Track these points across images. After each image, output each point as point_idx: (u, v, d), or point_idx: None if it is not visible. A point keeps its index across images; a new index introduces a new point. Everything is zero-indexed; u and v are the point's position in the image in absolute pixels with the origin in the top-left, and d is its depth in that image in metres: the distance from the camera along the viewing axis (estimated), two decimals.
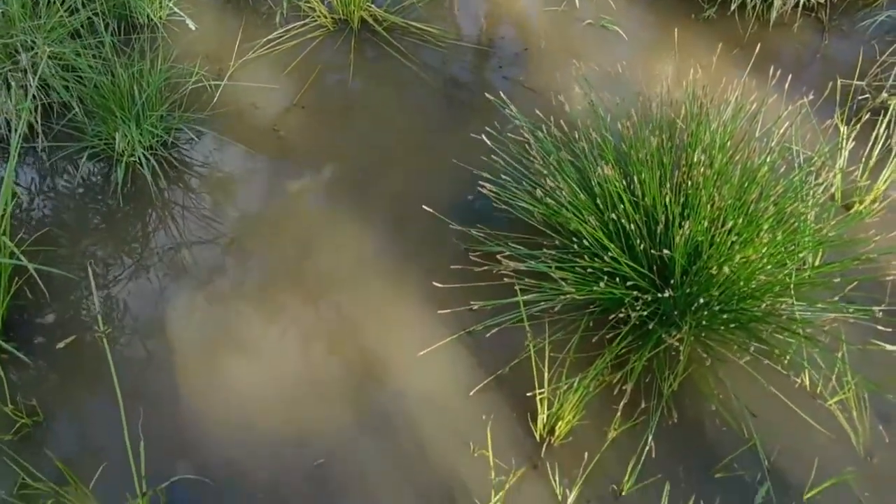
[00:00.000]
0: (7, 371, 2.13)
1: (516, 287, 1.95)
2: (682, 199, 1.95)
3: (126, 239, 2.47)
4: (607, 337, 2.05)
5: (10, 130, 2.65)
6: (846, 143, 2.37)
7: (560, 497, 1.92)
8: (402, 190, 2.58)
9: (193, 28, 3.05)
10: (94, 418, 2.08)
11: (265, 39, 3.05)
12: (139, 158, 2.59)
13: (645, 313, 1.91)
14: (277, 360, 2.18)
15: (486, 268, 2.15)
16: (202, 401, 2.09)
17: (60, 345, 2.16)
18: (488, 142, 2.30)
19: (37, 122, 2.67)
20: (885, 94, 2.69)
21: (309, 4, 3.12)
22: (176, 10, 3.09)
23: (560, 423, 1.96)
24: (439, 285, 2.15)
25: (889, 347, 2.08)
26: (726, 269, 1.74)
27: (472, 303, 2.10)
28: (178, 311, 2.28)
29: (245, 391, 2.12)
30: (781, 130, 2.07)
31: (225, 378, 2.14)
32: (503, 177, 2.25)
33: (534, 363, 1.91)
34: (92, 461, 1.93)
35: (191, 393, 2.11)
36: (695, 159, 1.95)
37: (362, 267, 2.39)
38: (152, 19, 3.06)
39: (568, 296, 1.92)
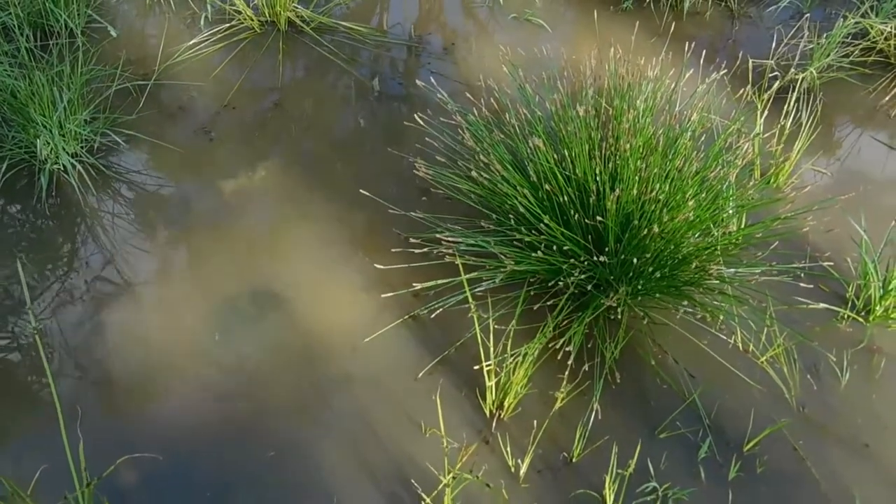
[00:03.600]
0: None
1: (458, 262, 1.98)
2: (610, 171, 2.02)
3: (53, 248, 2.39)
4: (548, 305, 2.10)
5: None
6: (760, 115, 2.51)
7: (513, 468, 1.94)
8: (339, 182, 2.59)
9: (115, 34, 2.99)
10: (29, 424, 2.00)
11: (191, 42, 3.01)
12: (63, 165, 2.52)
13: (583, 277, 1.97)
14: (220, 354, 2.14)
15: (426, 249, 2.17)
16: (141, 398, 2.05)
17: None
18: (422, 123, 2.33)
19: None
20: (792, 71, 2.85)
21: (234, 7, 3.11)
22: (95, 16, 3.03)
23: (508, 396, 2.00)
24: (381, 267, 2.16)
25: (811, 304, 2.20)
26: (656, 227, 1.81)
27: (414, 284, 2.12)
28: (111, 314, 2.23)
29: (185, 387, 2.07)
30: (699, 103, 2.17)
31: (164, 376, 2.10)
32: (438, 158, 2.29)
33: (479, 338, 1.94)
34: (29, 468, 1.86)
35: (129, 389, 2.06)
36: (620, 131, 2.02)
37: (303, 258, 2.38)
38: (70, 26, 2.99)
39: (508, 269, 1.96)
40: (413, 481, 1.90)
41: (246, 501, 1.88)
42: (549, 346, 2.04)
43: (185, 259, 2.39)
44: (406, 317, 2.21)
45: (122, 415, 2.02)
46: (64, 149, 2.52)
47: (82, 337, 2.17)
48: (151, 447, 1.93)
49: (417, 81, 2.84)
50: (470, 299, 1.92)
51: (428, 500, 1.85)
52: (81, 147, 2.59)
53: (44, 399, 2.05)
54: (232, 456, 1.95)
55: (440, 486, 1.87)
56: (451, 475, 1.73)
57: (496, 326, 2.03)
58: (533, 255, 1.96)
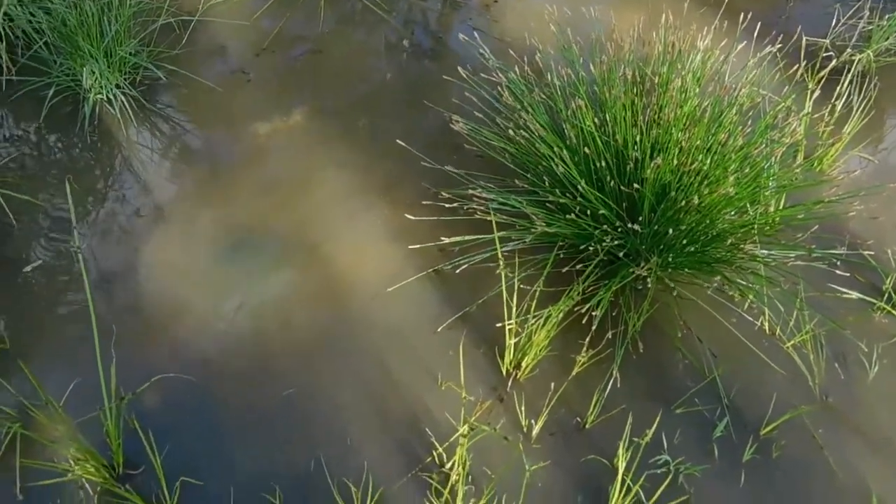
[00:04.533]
0: None
1: (492, 219, 1.96)
2: (652, 139, 1.97)
3: (91, 175, 2.43)
4: (576, 270, 2.08)
5: None
6: (811, 95, 2.43)
7: (525, 428, 1.95)
8: (372, 132, 2.58)
9: None
10: (63, 340, 2.06)
11: None
12: (106, 96, 2.55)
13: (614, 244, 1.94)
14: (245, 291, 2.17)
15: (456, 205, 2.16)
16: (167, 325, 2.09)
17: (28, 269, 2.13)
18: (465, 76, 2.30)
19: (0, 56, 2.60)
20: (848, 52, 2.75)
21: None
22: None
23: (527, 357, 1.99)
24: (412, 218, 2.16)
25: (846, 292, 2.14)
26: (696, 199, 1.78)
27: (442, 238, 2.11)
28: (145, 243, 2.26)
29: (213, 318, 2.11)
30: (749, 77, 2.10)
31: (194, 304, 2.14)
32: (476, 114, 2.26)
33: (504, 296, 1.93)
34: (62, 381, 1.91)
35: (157, 316, 2.10)
36: (665, 100, 1.97)
37: (331, 204, 2.38)
38: None
39: (539, 230, 1.94)
40: (427, 429, 1.92)
41: (262, 435, 1.92)
42: (574, 310, 2.02)
43: (215, 196, 2.40)
44: (430, 270, 2.21)
45: (151, 340, 2.06)
46: (108, 79, 2.54)
47: (117, 261, 2.22)
48: (176, 373, 1.98)
49: (459, 36, 2.79)
50: (499, 256, 1.90)
51: (440, 448, 1.87)
52: (124, 79, 2.61)
53: (81, 317, 2.10)
54: (251, 391, 1.99)
55: (454, 437, 1.89)
56: (466, 425, 1.74)
57: (521, 286, 2.01)
58: (566, 217, 1.93)
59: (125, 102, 2.55)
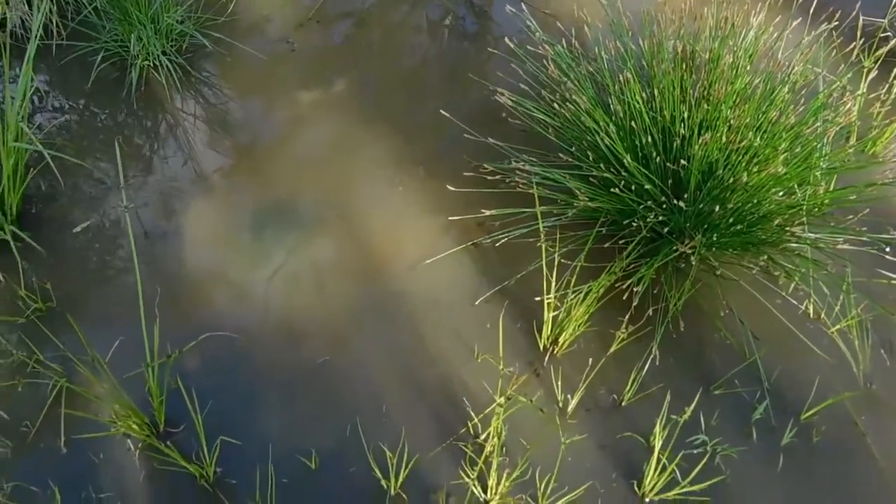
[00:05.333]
0: (21, 258, 2.14)
1: (535, 193, 1.94)
2: (700, 116, 1.93)
3: (136, 140, 2.46)
4: (617, 247, 2.06)
5: (24, 29, 2.63)
6: (866, 76, 2.36)
7: (561, 403, 1.95)
8: (413, 103, 2.58)
9: None
10: (109, 299, 2.11)
11: None
12: (153, 63, 2.58)
13: (658, 221, 1.91)
14: (285, 255, 2.19)
15: (497, 177, 2.15)
16: (208, 290, 2.12)
17: (77, 229, 2.18)
18: (512, 47, 2.28)
19: (52, 21, 2.64)
20: None
21: None
22: None
23: (564, 332, 1.98)
24: (453, 189, 2.15)
25: (895, 278, 2.09)
26: (745, 177, 1.74)
27: (482, 211, 2.10)
28: (189, 207, 2.30)
29: (252, 283, 2.14)
30: (804, 55, 2.05)
31: (234, 268, 2.17)
32: (522, 87, 2.24)
33: (544, 271, 1.92)
34: (108, 339, 1.95)
35: (198, 280, 2.14)
36: (715, 76, 1.93)
37: (371, 174, 2.39)
38: None
39: (581, 204, 1.92)
40: (462, 400, 1.93)
41: (299, 399, 1.94)
42: (615, 286, 2.00)
43: (257, 164, 2.42)
44: (468, 244, 2.21)
45: (192, 301, 2.10)
46: (155, 46, 2.57)
47: (161, 224, 2.25)
48: (213, 337, 2.01)
49: (503, 9, 2.76)
50: (541, 230, 1.89)
51: (476, 419, 1.88)
52: (171, 46, 2.64)
53: (126, 277, 2.15)
54: (289, 356, 2.01)
55: (489, 408, 1.89)
56: (503, 396, 1.74)
57: (562, 261, 2.00)
58: (610, 192, 1.91)
59: (171, 69, 2.58)
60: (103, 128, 2.49)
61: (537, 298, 2.00)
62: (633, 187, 1.91)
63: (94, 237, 2.22)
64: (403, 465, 1.81)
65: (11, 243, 2.15)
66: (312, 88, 2.62)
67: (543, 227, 2.02)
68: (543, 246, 1.88)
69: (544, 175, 2.06)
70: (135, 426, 1.84)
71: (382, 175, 2.39)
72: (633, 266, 2.00)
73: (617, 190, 1.87)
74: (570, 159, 2.09)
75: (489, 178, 2.22)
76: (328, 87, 2.62)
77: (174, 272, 2.16)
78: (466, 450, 1.86)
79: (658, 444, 1.80)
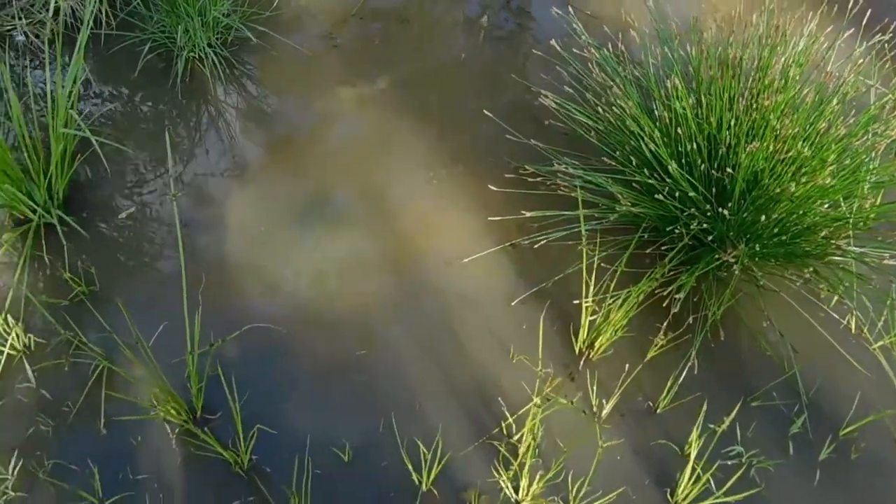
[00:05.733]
0: (66, 243, 2.19)
1: (578, 196, 1.94)
2: (748, 124, 1.92)
3: (182, 130, 2.50)
4: (658, 253, 2.04)
5: (75, 18, 2.68)
6: None
7: (595, 408, 1.94)
8: (455, 102, 2.58)
9: None
10: (150, 286, 2.14)
11: None
12: (199, 54, 2.61)
13: (702, 228, 1.90)
14: (325, 248, 2.22)
15: (539, 179, 2.14)
16: (249, 279, 2.15)
17: (122, 216, 2.22)
18: (558, 49, 2.27)
19: (101, 11, 2.69)
20: None
21: None
22: None
23: (601, 337, 1.98)
24: (494, 189, 2.15)
25: None
26: (793, 187, 1.72)
27: (523, 212, 2.10)
28: (230, 198, 2.32)
29: (293, 275, 2.16)
30: (856, 66, 2.02)
31: (275, 259, 2.19)
32: (567, 89, 2.23)
33: (584, 274, 1.91)
34: (150, 325, 1.98)
35: (241, 269, 2.17)
36: (764, 85, 1.91)
37: (410, 171, 2.40)
38: None
39: (624, 209, 1.91)
40: (496, 400, 1.93)
41: (334, 392, 1.96)
42: (655, 293, 1.99)
43: (297, 157, 2.44)
44: (506, 244, 2.21)
45: (233, 291, 2.12)
46: (201, 38, 2.60)
47: (202, 214, 2.28)
48: (252, 327, 2.03)
49: (546, 10, 2.76)
50: (583, 233, 1.89)
51: (510, 419, 1.88)
52: (216, 39, 2.67)
53: (170, 264, 2.18)
54: (326, 349, 2.03)
55: (524, 409, 1.89)
56: (539, 397, 1.74)
57: (602, 265, 2.00)
58: (654, 197, 1.90)
59: (216, 62, 2.61)
60: (148, 117, 2.53)
61: (575, 302, 2.00)
62: (676, 194, 1.89)
63: (138, 224, 2.26)
64: (436, 461, 1.82)
65: (58, 227, 2.19)
66: (353, 84, 2.63)
67: (594, 230, 2.02)
68: (584, 249, 1.88)
69: (586, 179, 2.06)
70: (173, 411, 1.86)
71: (422, 173, 2.40)
72: (672, 273, 1.99)
73: (661, 196, 1.85)
74: (613, 163, 2.08)
75: (529, 179, 2.22)
76: (369, 83, 2.64)
77: (215, 261, 2.19)
78: (500, 448, 1.87)
79: (693, 452, 1.79)
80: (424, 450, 1.84)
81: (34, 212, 2.20)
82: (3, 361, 1.98)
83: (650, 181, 1.92)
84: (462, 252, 2.19)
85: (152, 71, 2.64)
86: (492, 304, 2.12)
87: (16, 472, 1.84)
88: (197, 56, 2.61)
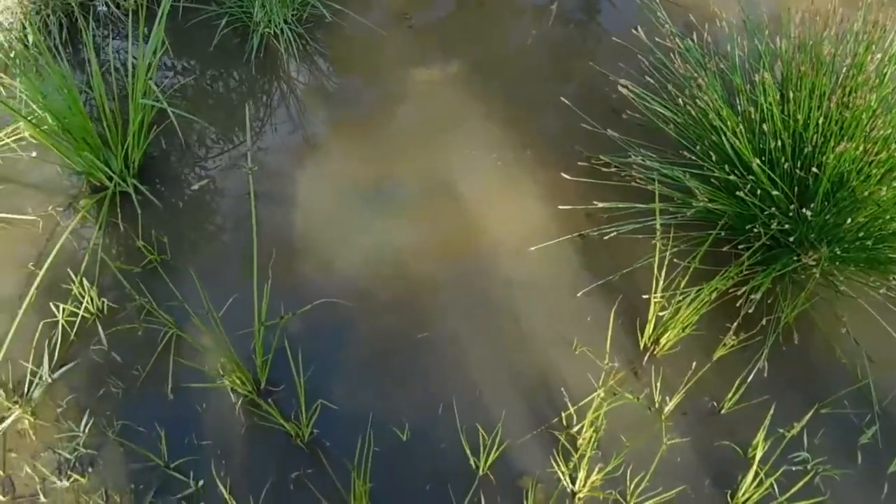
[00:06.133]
0: (140, 211, 2.24)
1: (654, 189, 1.90)
2: (837, 123, 1.85)
3: (255, 105, 2.53)
4: (731, 253, 1.99)
5: None
6: None
7: (658, 405, 1.91)
8: (529, 88, 2.55)
9: None
10: (219, 257, 2.18)
11: None
12: (274, 30, 2.63)
13: (782, 228, 1.84)
14: (390, 228, 2.23)
15: (613, 170, 2.11)
16: (317, 258, 2.17)
17: (194, 187, 2.26)
18: (642, 37, 2.22)
19: None
20: None
21: None
22: None
23: (667, 333, 1.94)
24: (568, 178, 2.12)
25: None
26: (884, 190, 1.66)
27: (595, 202, 2.07)
28: (300, 175, 2.35)
29: (360, 255, 2.18)
30: None
31: (342, 237, 2.21)
32: (646, 79, 2.18)
33: (655, 268, 1.88)
34: (216, 295, 2.02)
35: (309, 248, 2.19)
36: (857, 83, 1.84)
37: (481, 155, 2.39)
38: None
39: (701, 205, 1.87)
40: (558, 391, 1.92)
41: (396, 372, 1.97)
42: (729, 292, 1.94)
43: (367, 137, 2.45)
44: (575, 234, 2.19)
45: (299, 267, 2.15)
46: (277, 14, 2.62)
47: (272, 189, 2.31)
48: (322, 304, 2.06)
49: (632, 2, 2.70)
50: (658, 227, 1.85)
51: (571, 410, 1.87)
52: (292, 15, 2.69)
53: (240, 237, 2.22)
54: (390, 329, 2.04)
55: (585, 400, 1.88)
56: (602, 389, 1.72)
57: (673, 260, 1.96)
58: (734, 194, 1.85)
59: (291, 38, 2.63)
60: (222, 91, 2.57)
61: (645, 296, 1.96)
62: (757, 192, 1.84)
63: (209, 196, 2.30)
64: (495, 447, 1.82)
65: (133, 196, 2.25)
66: (426, 65, 2.63)
67: (664, 224, 1.98)
68: (658, 243, 1.84)
69: (663, 172, 2.01)
70: (238, 381, 1.90)
71: (491, 158, 2.38)
72: (746, 273, 1.94)
73: (741, 193, 1.80)
74: (692, 157, 2.03)
75: (604, 169, 2.19)
76: (441, 65, 2.63)
77: (283, 236, 2.21)
78: (560, 438, 1.86)
79: (758, 455, 1.75)
80: (484, 434, 1.84)
81: (110, 180, 2.26)
82: (77, 323, 2.05)
83: (730, 177, 1.87)
84: (529, 240, 2.18)
85: (227, 45, 2.67)
86: (557, 295, 2.10)
87: (87, 430, 1.90)
88: (272, 32, 2.64)
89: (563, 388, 1.93)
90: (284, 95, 2.58)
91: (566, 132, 2.38)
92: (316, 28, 2.72)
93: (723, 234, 1.94)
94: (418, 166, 2.36)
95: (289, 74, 2.61)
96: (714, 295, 1.86)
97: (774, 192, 1.80)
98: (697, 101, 1.93)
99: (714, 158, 1.92)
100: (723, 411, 1.90)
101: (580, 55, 2.63)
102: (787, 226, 1.84)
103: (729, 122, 1.88)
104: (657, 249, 1.85)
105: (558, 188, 2.25)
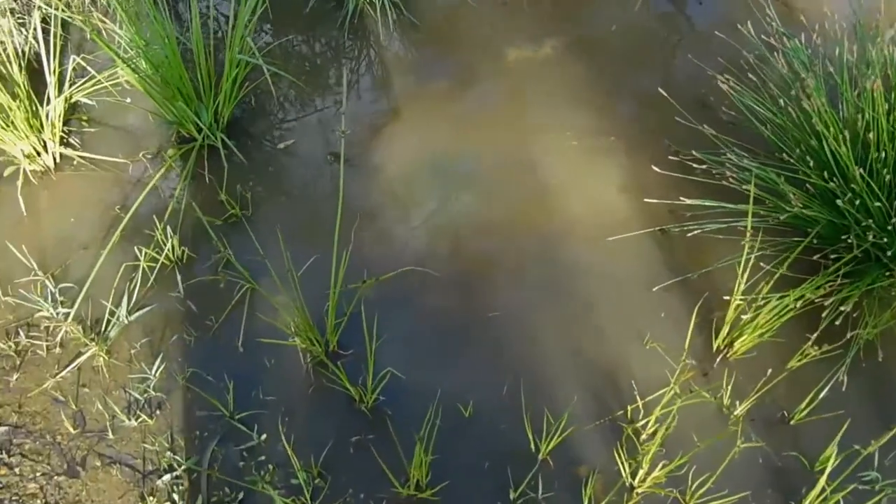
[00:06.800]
0: (226, 165, 2.28)
1: (747, 188, 1.86)
2: None
3: (344, 70, 2.55)
4: (819, 262, 1.94)
5: None
6: None
7: (726, 409, 1.88)
8: (619, 76, 2.51)
9: None
10: (303, 217, 2.21)
11: None
12: None
13: (883, 240, 1.78)
14: (470, 204, 2.23)
15: (705, 166, 2.06)
16: (404, 219, 2.21)
17: (280, 146, 2.29)
18: (746, 33, 2.17)
19: None
20: None
21: None
22: None
23: (742, 337, 1.91)
24: (658, 170, 2.08)
25: None
26: None
27: (681, 198, 2.04)
28: (383, 144, 2.36)
29: (435, 224, 2.20)
30: None
31: (425, 210, 2.23)
32: (749, 77, 2.13)
33: (738, 271, 1.84)
34: (298, 255, 2.03)
35: (392, 211, 2.22)
36: None
37: (570, 139, 2.37)
38: None
39: (796, 209, 1.82)
40: (625, 383, 1.90)
41: (465, 349, 1.98)
42: (815, 301, 1.89)
43: (456, 112, 2.45)
44: (656, 229, 2.15)
45: (378, 235, 2.18)
46: None
47: (351, 153, 2.33)
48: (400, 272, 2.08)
49: None
50: (749, 228, 1.80)
51: (639, 403, 1.85)
52: None
53: (323, 198, 2.25)
54: (461, 306, 2.05)
55: (653, 395, 1.87)
56: (678, 385, 1.69)
57: (759, 264, 1.91)
58: (835, 202, 1.79)
59: (385, 6, 2.64)
60: (313, 54, 2.59)
61: (724, 298, 1.93)
62: (856, 202, 1.78)
63: (294, 155, 2.33)
64: (558, 432, 1.81)
65: (221, 150, 2.29)
66: (519, 46, 2.60)
67: (743, 227, 1.94)
68: (746, 245, 1.80)
69: (759, 174, 1.96)
70: (309, 341, 1.93)
71: (576, 144, 2.36)
72: (831, 284, 1.89)
73: (841, 203, 1.75)
74: (790, 160, 1.96)
75: (693, 165, 2.14)
76: (533, 44, 2.60)
77: (362, 202, 2.23)
78: (626, 430, 1.84)
79: (828, 469, 1.71)
80: (549, 419, 1.84)
81: (199, 132, 2.30)
82: (157, 269, 2.11)
83: (830, 184, 1.81)
84: (607, 229, 2.15)
85: (322, 10, 2.69)
86: (631, 287, 2.08)
87: (157, 374, 1.96)
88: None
89: (631, 381, 1.91)
90: (373, 63, 2.59)
91: (654, 124, 2.33)
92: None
93: (815, 242, 1.88)
94: (502, 144, 2.35)
95: (379, 42, 2.62)
96: (800, 303, 1.81)
97: (876, 204, 1.74)
98: (803, 103, 1.87)
99: (811, 164, 1.86)
100: (792, 421, 1.86)
101: (674, 46, 2.58)
102: (884, 239, 1.78)
103: (832, 128, 1.82)
104: (744, 251, 1.80)
105: (640, 180, 2.22)
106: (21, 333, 2.03)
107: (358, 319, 1.92)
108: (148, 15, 2.17)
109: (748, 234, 1.75)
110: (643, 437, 1.83)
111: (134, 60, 2.22)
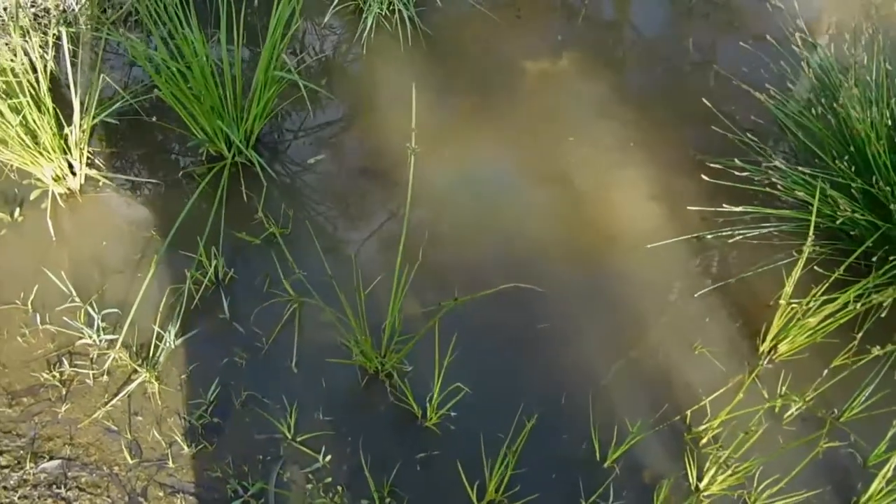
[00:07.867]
0: (265, 184, 2.25)
1: (798, 196, 1.91)
2: None
3: (361, 83, 2.54)
4: (861, 265, 2.01)
5: None
6: None
7: (777, 409, 1.94)
8: (644, 86, 2.56)
9: None
10: (339, 233, 2.20)
11: None
12: (386, 12, 2.63)
13: None
14: (515, 218, 2.25)
15: (746, 174, 2.12)
16: (445, 236, 2.21)
17: (310, 160, 2.27)
18: (773, 42, 2.23)
19: None
20: None
21: None
22: None
23: (788, 339, 1.97)
24: (706, 179, 2.12)
25: None
26: None
27: (724, 205, 2.09)
28: (426, 158, 2.31)
29: (486, 242, 2.21)
30: None
31: (470, 225, 2.25)
32: (788, 85, 2.20)
33: (783, 274, 1.90)
34: (343, 273, 2.02)
35: (432, 226, 2.22)
36: None
37: (602, 150, 2.41)
38: None
39: (846, 215, 1.88)
40: (684, 388, 1.94)
41: (518, 362, 2.00)
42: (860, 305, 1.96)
43: (481, 124, 2.46)
44: (693, 235, 2.21)
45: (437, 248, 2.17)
46: None
47: (382, 169, 2.33)
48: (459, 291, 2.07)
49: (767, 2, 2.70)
50: (810, 234, 1.84)
51: (702, 404, 1.89)
52: None
53: (357, 213, 2.25)
54: (510, 317, 2.06)
55: (706, 399, 1.91)
56: (741, 390, 1.74)
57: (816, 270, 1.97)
58: (889, 207, 1.85)
59: (402, 20, 2.63)
60: (331, 67, 2.57)
61: (766, 302, 1.99)
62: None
63: (325, 171, 2.32)
64: (625, 441, 1.84)
65: (257, 167, 2.24)
66: (535, 58, 2.64)
67: (783, 232, 2.00)
68: (807, 248, 1.83)
69: (798, 180, 2.03)
70: (365, 358, 1.91)
71: (612, 154, 2.40)
72: (878, 287, 1.96)
73: (893, 207, 1.82)
74: (840, 166, 2.02)
75: (738, 173, 2.18)
76: (550, 57, 2.64)
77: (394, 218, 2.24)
78: (685, 435, 1.88)
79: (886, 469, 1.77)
80: (612, 427, 1.86)
81: (229, 149, 2.26)
82: (201, 291, 2.06)
83: (874, 191, 1.88)
84: (647, 237, 2.20)
85: (340, 22, 2.68)
86: (673, 294, 2.12)
87: (213, 398, 1.92)
88: (385, 13, 2.64)
89: (686, 387, 1.96)
90: (390, 76, 2.58)
91: (683, 132, 2.39)
92: (427, 12, 2.72)
93: (864, 247, 1.95)
94: (534, 159, 2.38)
95: (397, 56, 2.62)
96: (850, 306, 1.88)
97: None
98: (851, 110, 1.93)
99: (853, 170, 1.93)
100: (842, 419, 1.93)
101: (706, 55, 2.63)
102: None
103: (872, 136, 1.90)
104: (804, 254, 1.83)
105: (675, 188, 2.27)
106: (65, 362, 1.97)
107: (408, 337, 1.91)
108: (181, 32, 2.12)
109: (808, 240, 1.79)
110: (703, 441, 1.88)
111: (169, 79, 2.17)
